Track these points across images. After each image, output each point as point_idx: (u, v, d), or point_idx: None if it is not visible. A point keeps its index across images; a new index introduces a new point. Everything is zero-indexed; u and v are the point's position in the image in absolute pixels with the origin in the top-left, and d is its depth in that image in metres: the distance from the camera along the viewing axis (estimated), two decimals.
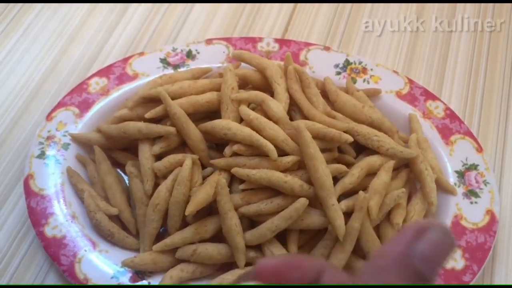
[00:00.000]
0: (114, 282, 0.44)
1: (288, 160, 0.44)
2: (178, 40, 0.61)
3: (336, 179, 0.45)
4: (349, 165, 0.46)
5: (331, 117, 0.48)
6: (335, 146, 0.47)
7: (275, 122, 0.46)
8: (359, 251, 0.44)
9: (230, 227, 0.43)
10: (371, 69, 0.54)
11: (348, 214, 0.43)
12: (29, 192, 0.47)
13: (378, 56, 0.60)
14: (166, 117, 0.48)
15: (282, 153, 0.45)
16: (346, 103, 0.49)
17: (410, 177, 0.48)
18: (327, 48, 0.56)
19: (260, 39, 0.57)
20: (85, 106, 0.52)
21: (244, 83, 0.51)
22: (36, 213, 0.46)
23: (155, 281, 0.44)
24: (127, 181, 0.49)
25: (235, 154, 0.46)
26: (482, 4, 0.64)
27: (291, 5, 0.64)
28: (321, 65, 0.55)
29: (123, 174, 0.50)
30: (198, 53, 0.56)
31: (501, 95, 0.57)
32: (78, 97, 0.53)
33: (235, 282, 0.42)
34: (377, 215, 0.44)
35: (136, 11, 0.64)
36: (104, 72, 0.54)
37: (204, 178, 0.46)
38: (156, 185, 0.46)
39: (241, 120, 0.47)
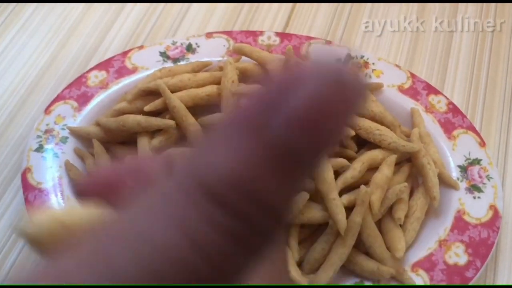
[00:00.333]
0: None
1: None
2: (178, 33, 0.61)
3: (337, 174, 0.45)
4: (350, 159, 0.46)
5: None
6: None
7: None
8: (360, 246, 0.44)
9: None
10: (373, 63, 0.54)
11: (349, 209, 0.43)
12: (26, 186, 0.47)
13: (379, 54, 0.59)
14: (166, 110, 0.47)
15: None
16: None
17: (412, 171, 0.48)
18: (328, 42, 0.56)
19: (261, 33, 0.56)
20: (84, 99, 0.52)
21: (244, 77, 0.51)
22: (34, 207, 0.46)
23: None
24: None
25: None
26: (484, 4, 0.63)
27: (289, 5, 0.63)
28: (322, 59, 0.54)
29: None
30: (198, 46, 0.55)
31: (504, 89, 0.57)
32: (77, 91, 0.52)
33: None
34: (379, 209, 0.43)
35: (136, 5, 0.63)
36: (103, 65, 0.54)
37: None
38: None
39: None
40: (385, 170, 0.45)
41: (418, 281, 0.43)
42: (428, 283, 0.43)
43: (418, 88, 0.53)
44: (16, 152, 0.52)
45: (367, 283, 0.43)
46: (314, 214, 0.43)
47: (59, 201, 0.46)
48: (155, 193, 0.12)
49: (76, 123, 0.50)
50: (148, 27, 0.61)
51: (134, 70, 0.53)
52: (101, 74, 0.53)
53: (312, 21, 0.62)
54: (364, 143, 0.48)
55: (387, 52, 0.59)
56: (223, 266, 0.11)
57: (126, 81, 0.53)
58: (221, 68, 0.50)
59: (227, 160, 0.11)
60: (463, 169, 0.48)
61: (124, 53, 0.55)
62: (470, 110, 0.55)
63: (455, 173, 0.48)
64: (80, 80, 0.53)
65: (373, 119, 0.48)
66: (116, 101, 0.51)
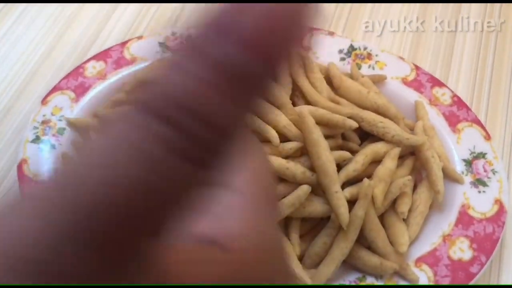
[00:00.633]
0: None
1: (291, 146, 0.43)
2: (178, 24, 0.60)
3: (339, 167, 0.44)
4: (353, 152, 0.45)
5: (335, 103, 0.46)
6: (339, 133, 0.45)
7: (278, 107, 0.45)
8: (363, 241, 0.43)
9: None
10: (376, 55, 0.53)
11: (352, 202, 0.42)
12: (22, 178, 0.46)
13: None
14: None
15: (284, 139, 0.43)
16: (350, 89, 0.48)
17: (416, 165, 0.47)
18: (331, 33, 0.55)
19: None
20: (81, 90, 0.51)
21: None
22: None
23: None
24: None
25: None
26: (488, 4, 0.61)
27: None
28: (325, 50, 0.53)
29: None
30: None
31: (510, 81, 0.56)
32: (74, 81, 0.51)
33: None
34: (382, 203, 0.43)
35: None
36: (101, 56, 0.53)
37: None
38: None
39: None
40: (389, 163, 0.44)
41: (422, 277, 0.42)
42: (432, 278, 0.42)
43: (422, 81, 0.52)
44: (13, 144, 0.51)
45: (369, 278, 0.43)
46: (316, 207, 0.42)
47: None
48: (112, 118, 0.12)
49: (73, 114, 0.49)
50: (148, 17, 0.60)
51: (132, 61, 0.52)
52: (99, 65, 0.52)
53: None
54: (367, 136, 0.47)
55: (391, 44, 0.58)
56: (171, 176, 0.11)
57: (125, 72, 0.52)
58: None
59: (170, 82, 0.11)
60: (468, 163, 0.47)
61: (123, 44, 0.54)
62: (475, 103, 0.54)
63: (459, 167, 0.47)
64: (77, 71, 0.52)
65: (377, 111, 0.47)
66: (114, 92, 0.50)
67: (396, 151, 0.45)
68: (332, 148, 0.43)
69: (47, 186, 0.11)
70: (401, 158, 0.46)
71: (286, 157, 0.43)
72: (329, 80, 0.49)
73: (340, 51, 0.53)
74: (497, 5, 0.61)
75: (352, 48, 0.53)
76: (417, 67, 0.52)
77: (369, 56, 0.53)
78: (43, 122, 0.49)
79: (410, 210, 0.44)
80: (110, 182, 0.11)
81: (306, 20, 0.12)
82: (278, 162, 0.42)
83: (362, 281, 0.42)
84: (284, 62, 0.12)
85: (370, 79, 0.50)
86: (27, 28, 0.59)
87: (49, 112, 0.49)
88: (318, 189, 0.43)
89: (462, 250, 0.43)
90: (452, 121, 0.50)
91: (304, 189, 0.41)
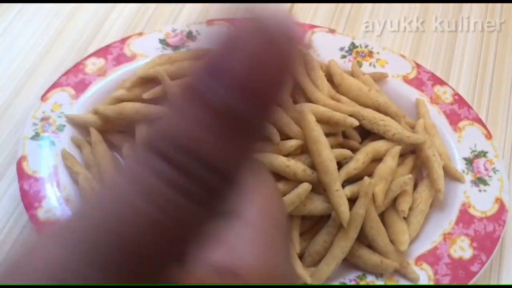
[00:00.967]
0: None
1: (291, 144, 0.43)
2: (178, 20, 0.59)
3: (340, 165, 0.43)
4: (354, 150, 0.45)
5: (335, 101, 0.46)
6: (339, 131, 0.45)
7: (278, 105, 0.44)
8: (363, 239, 0.43)
9: None
10: (378, 53, 0.53)
11: (352, 201, 0.42)
12: (22, 174, 0.46)
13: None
14: (165, 98, 0.46)
15: (284, 137, 0.43)
16: (351, 86, 0.48)
17: (417, 163, 0.47)
18: (332, 31, 0.54)
19: None
20: (81, 87, 0.51)
21: None
22: (29, 196, 0.45)
23: None
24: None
25: None
26: (489, 5, 0.61)
27: (287, 4, 0.61)
28: (325, 48, 0.53)
29: (120, 157, 0.48)
30: (199, 34, 0.54)
31: (511, 80, 0.55)
32: (74, 78, 0.51)
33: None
34: (382, 201, 0.42)
35: None
36: (101, 52, 0.53)
37: None
38: None
39: None
40: (389, 162, 0.44)
41: (422, 275, 0.42)
42: (432, 277, 0.42)
43: (424, 79, 0.51)
44: (12, 140, 0.51)
45: (369, 276, 0.42)
46: (316, 205, 0.42)
47: (54, 190, 0.45)
48: (126, 160, 0.14)
49: (73, 111, 0.49)
50: (148, 14, 0.60)
51: (133, 58, 0.52)
52: (99, 61, 0.52)
53: (311, 21, 0.60)
54: (367, 134, 0.47)
55: (392, 41, 0.58)
56: (173, 213, 0.12)
57: (125, 68, 0.51)
58: None
59: (171, 125, 0.13)
60: (469, 162, 0.47)
61: (123, 40, 0.53)
62: (476, 102, 0.54)
63: (460, 166, 0.47)
64: (77, 67, 0.52)
65: (377, 109, 0.47)
66: (114, 88, 0.50)
67: (397, 149, 0.45)
68: (333, 146, 0.43)
69: (69, 224, 0.13)
70: (402, 156, 0.46)
71: (287, 155, 0.43)
72: (330, 78, 0.49)
73: (341, 49, 0.53)
74: (498, 5, 0.61)
75: (353, 46, 0.53)
76: (418, 65, 0.52)
77: (370, 54, 0.53)
78: (43, 119, 0.49)
79: (410, 209, 0.44)
80: (123, 220, 0.12)
81: (292, 60, 0.13)
82: (278, 160, 0.42)
83: (362, 279, 0.42)
84: (275, 103, 0.13)
85: (371, 77, 0.50)
86: (26, 24, 0.59)
87: (49, 108, 0.49)
88: (319, 187, 0.43)
89: (462, 249, 0.43)
90: (453, 119, 0.49)
91: (305, 187, 0.41)
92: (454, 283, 0.42)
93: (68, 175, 0.46)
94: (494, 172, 0.47)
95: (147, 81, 0.47)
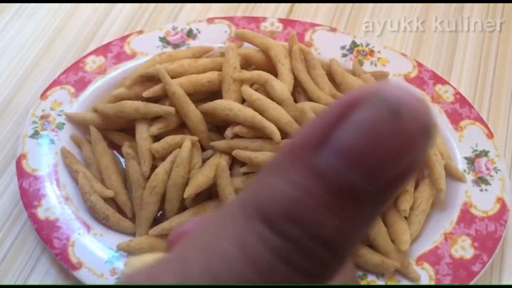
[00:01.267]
0: (108, 267, 0.42)
1: None
2: (178, 18, 0.59)
3: None
4: None
5: (337, 99, 0.46)
6: None
7: (279, 104, 0.44)
8: (364, 239, 0.43)
9: None
10: (379, 52, 0.52)
11: None
12: (21, 173, 0.45)
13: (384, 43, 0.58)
14: (165, 96, 0.46)
15: (285, 135, 0.43)
16: (352, 85, 0.48)
17: None
18: (333, 29, 0.54)
19: (264, 19, 0.55)
20: (81, 85, 0.50)
21: (247, 64, 0.49)
22: (29, 195, 0.45)
23: None
24: (123, 163, 0.47)
25: (236, 136, 0.44)
26: (491, 4, 0.61)
27: (287, 5, 0.60)
28: (326, 47, 0.52)
29: (119, 156, 0.48)
30: (199, 32, 0.53)
31: None
32: (74, 76, 0.51)
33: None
34: None
35: None
36: (101, 50, 0.52)
37: (204, 161, 0.45)
38: (153, 167, 0.44)
39: (243, 101, 0.45)
40: None
41: (423, 275, 0.42)
42: (433, 277, 0.42)
43: (425, 78, 0.51)
44: (11, 139, 0.51)
45: (370, 276, 0.42)
46: None
47: (54, 189, 0.45)
48: (224, 213, 0.13)
49: (73, 109, 0.49)
50: (148, 12, 0.60)
51: (133, 56, 0.52)
52: (99, 59, 0.52)
53: (311, 20, 0.59)
54: None
55: (393, 39, 0.58)
56: (274, 282, 0.12)
57: (125, 66, 0.51)
58: (222, 54, 0.49)
59: (281, 191, 0.12)
60: (470, 161, 0.47)
61: (123, 38, 0.53)
62: (477, 101, 0.54)
63: (461, 165, 0.47)
64: (77, 65, 0.51)
65: None
66: (114, 87, 0.50)
67: None
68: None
69: (168, 267, 0.13)
70: None
71: None
72: (331, 77, 0.49)
73: (342, 47, 0.53)
74: (500, 5, 0.61)
75: (354, 45, 0.53)
76: (419, 64, 0.52)
77: (371, 52, 0.52)
78: (42, 117, 0.48)
79: (411, 208, 0.44)
80: (220, 275, 0.12)
81: (413, 143, 0.11)
82: None
83: (363, 279, 0.42)
84: (400, 185, 0.12)
85: (372, 75, 0.50)
86: (26, 21, 0.59)
87: (49, 106, 0.49)
88: None
89: (464, 249, 0.43)
90: (455, 118, 0.49)
91: None
92: (456, 283, 0.41)
93: (67, 173, 0.46)
94: (496, 172, 0.46)
95: (147, 79, 0.47)
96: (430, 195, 0.45)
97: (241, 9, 0.60)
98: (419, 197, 0.45)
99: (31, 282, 0.44)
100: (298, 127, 0.43)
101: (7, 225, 0.46)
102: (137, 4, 0.60)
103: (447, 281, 0.42)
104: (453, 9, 0.60)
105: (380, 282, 0.42)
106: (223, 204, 0.42)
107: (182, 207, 0.44)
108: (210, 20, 0.54)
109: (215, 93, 0.47)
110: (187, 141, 0.43)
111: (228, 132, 0.44)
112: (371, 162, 0.11)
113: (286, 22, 0.54)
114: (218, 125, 0.47)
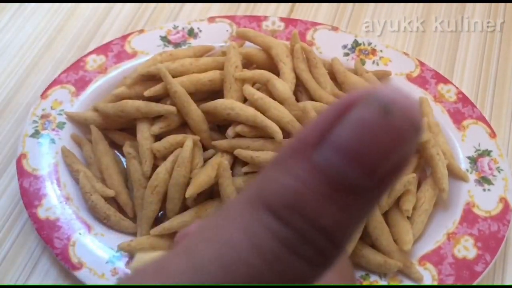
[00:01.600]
0: (109, 267, 0.42)
1: None
2: (179, 17, 0.59)
3: None
4: None
5: (339, 99, 0.46)
6: None
7: (281, 103, 0.44)
8: (367, 239, 0.42)
9: None
10: (381, 51, 0.52)
11: None
12: (21, 172, 0.45)
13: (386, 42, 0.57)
14: (166, 95, 0.46)
15: (287, 135, 0.43)
16: (354, 84, 0.47)
17: (421, 162, 0.46)
18: (335, 28, 0.54)
19: (265, 18, 0.54)
20: (81, 84, 0.50)
21: (248, 63, 0.49)
22: (29, 194, 0.44)
23: None
24: (124, 163, 0.47)
25: (238, 135, 0.44)
26: (493, 5, 0.60)
27: (288, 5, 0.60)
28: (328, 46, 0.52)
29: (120, 156, 0.48)
30: (200, 31, 0.53)
31: None
32: (75, 75, 0.51)
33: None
34: (386, 201, 0.42)
35: None
36: (102, 49, 0.52)
37: (206, 160, 0.44)
38: (155, 167, 0.44)
39: (245, 100, 0.45)
40: None
41: (426, 275, 0.42)
42: (436, 277, 0.42)
43: (427, 77, 0.51)
44: (12, 138, 0.50)
45: (373, 276, 0.42)
46: None
47: (54, 188, 0.45)
48: (230, 207, 0.14)
49: (73, 109, 0.49)
50: (149, 11, 0.59)
51: (133, 55, 0.52)
52: (100, 59, 0.51)
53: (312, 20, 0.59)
54: None
55: (395, 38, 0.58)
56: (279, 270, 0.13)
57: (126, 65, 0.51)
58: (224, 53, 0.49)
59: (284, 184, 0.13)
60: (473, 161, 0.47)
61: (124, 37, 0.53)
62: (480, 100, 0.53)
63: (464, 165, 0.47)
64: (78, 64, 0.51)
65: None
66: (115, 86, 0.49)
67: None
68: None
69: (179, 257, 0.14)
70: None
71: None
72: (333, 76, 0.48)
73: (344, 47, 0.52)
74: (501, 5, 0.60)
75: (356, 44, 0.53)
76: (421, 63, 0.52)
77: (373, 51, 0.52)
78: (43, 116, 0.48)
79: (414, 208, 0.44)
80: (228, 263, 0.13)
81: (404, 138, 0.12)
82: None
83: (365, 279, 0.42)
84: (392, 178, 0.13)
85: (374, 75, 0.50)
86: (26, 20, 0.58)
87: (49, 106, 0.49)
88: None
89: (466, 249, 0.43)
90: (457, 118, 0.49)
91: None
92: (458, 283, 0.41)
93: (68, 173, 0.46)
94: (499, 171, 0.46)
95: (148, 78, 0.47)
96: (432, 195, 0.45)
97: (241, 9, 0.59)
98: (422, 197, 0.44)
99: (31, 282, 0.44)
100: (300, 126, 0.43)
101: (8, 224, 0.46)
102: (138, 4, 0.60)
103: (450, 281, 0.41)
104: (455, 9, 0.60)
105: (383, 282, 0.42)
106: (224, 203, 0.42)
107: (184, 207, 0.43)
108: (211, 19, 0.54)
109: (217, 92, 0.46)
110: (189, 140, 0.43)
111: (230, 131, 0.44)
112: (365, 158, 0.12)
113: (288, 21, 0.54)
114: (220, 125, 0.46)
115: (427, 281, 0.42)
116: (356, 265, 0.42)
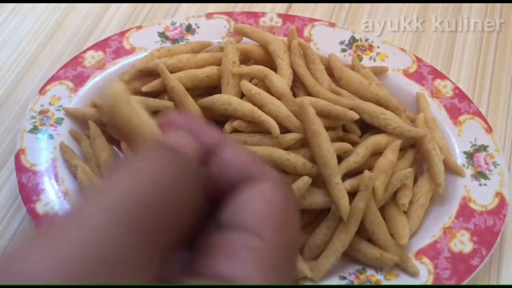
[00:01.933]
0: None
1: (291, 137, 0.43)
2: (177, 14, 0.59)
3: (340, 159, 0.43)
4: (354, 144, 0.45)
5: (336, 94, 0.46)
6: (339, 124, 0.45)
7: (278, 98, 0.44)
8: (363, 233, 0.43)
9: None
10: (378, 47, 0.52)
11: (352, 194, 0.42)
12: (20, 168, 0.45)
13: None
14: (164, 91, 0.46)
15: (284, 130, 0.43)
16: (352, 80, 0.47)
17: (417, 157, 0.47)
18: (332, 24, 0.54)
19: (263, 14, 0.55)
20: (80, 80, 0.50)
21: (245, 58, 0.49)
22: (27, 189, 0.45)
23: None
24: (122, 158, 0.47)
25: (235, 130, 0.44)
26: (489, 4, 0.61)
27: (284, 5, 0.60)
28: (326, 42, 0.53)
29: (118, 151, 0.48)
30: (198, 27, 0.53)
31: (511, 74, 0.55)
32: (73, 71, 0.51)
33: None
34: (382, 195, 0.42)
35: None
36: (100, 45, 0.52)
37: None
38: None
39: (242, 95, 0.45)
40: (390, 155, 0.44)
41: (422, 269, 0.42)
42: (432, 271, 0.42)
43: (424, 73, 0.51)
44: (10, 133, 0.51)
45: (369, 270, 0.42)
46: (316, 199, 0.42)
47: (53, 184, 0.45)
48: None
49: (71, 104, 0.49)
50: (147, 7, 0.59)
51: (131, 51, 0.52)
52: (98, 55, 0.52)
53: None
54: (368, 128, 0.47)
55: (392, 36, 0.58)
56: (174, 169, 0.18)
57: (124, 61, 0.51)
58: (221, 49, 0.49)
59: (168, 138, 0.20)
60: (469, 156, 0.47)
61: (122, 33, 0.53)
62: (477, 96, 0.54)
63: (460, 160, 0.47)
64: (76, 60, 0.51)
65: (378, 103, 0.46)
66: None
67: (397, 143, 0.44)
68: (333, 140, 0.43)
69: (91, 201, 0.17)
70: (402, 150, 0.46)
71: (287, 148, 0.43)
72: (330, 72, 0.49)
73: (341, 43, 0.53)
74: (498, 5, 0.61)
75: (353, 40, 0.53)
76: (418, 59, 0.52)
77: (370, 47, 0.52)
78: (41, 112, 0.48)
79: (410, 203, 0.44)
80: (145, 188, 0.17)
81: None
82: (278, 153, 0.41)
83: (362, 273, 0.42)
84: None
85: (371, 70, 0.50)
86: (25, 17, 0.58)
87: (47, 102, 0.49)
88: (319, 181, 0.42)
89: (462, 243, 0.43)
90: (454, 113, 0.49)
91: (305, 180, 0.41)
92: (454, 277, 0.41)
93: (66, 168, 0.46)
94: (495, 166, 0.46)
95: (146, 74, 0.47)
96: (429, 190, 0.45)
97: (238, 9, 0.59)
98: (418, 191, 0.45)
99: None
100: (297, 121, 0.43)
101: (6, 219, 0.46)
102: (134, 3, 0.60)
103: (446, 275, 0.42)
104: (451, 9, 0.60)
105: (379, 276, 0.42)
106: None
107: None
108: (209, 15, 0.54)
109: (214, 87, 0.47)
110: None
111: (227, 126, 0.44)
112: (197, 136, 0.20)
113: (285, 17, 0.54)
114: (217, 120, 0.47)
115: (423, 275, 0.42)
116: (352, 258, 0.43)
